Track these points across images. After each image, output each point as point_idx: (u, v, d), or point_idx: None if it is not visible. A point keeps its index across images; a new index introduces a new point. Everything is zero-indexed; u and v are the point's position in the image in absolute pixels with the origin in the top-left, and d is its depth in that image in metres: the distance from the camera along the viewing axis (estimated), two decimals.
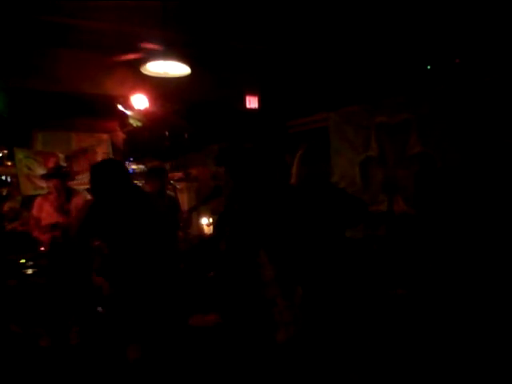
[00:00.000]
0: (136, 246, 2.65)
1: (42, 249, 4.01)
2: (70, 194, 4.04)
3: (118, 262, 2.72)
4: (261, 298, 2.25)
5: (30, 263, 4.52)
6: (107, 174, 2.68)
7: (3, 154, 5.99)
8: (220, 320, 2.73)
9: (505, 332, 2.97)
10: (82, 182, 5.80)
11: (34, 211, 4.04)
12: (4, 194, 5.74)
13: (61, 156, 4.27)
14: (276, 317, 2.23)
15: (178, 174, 6.53)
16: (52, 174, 4.04)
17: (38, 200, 4.09)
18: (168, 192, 4.53)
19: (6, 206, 5.48)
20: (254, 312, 2.26)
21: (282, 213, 2.47)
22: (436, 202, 3.92)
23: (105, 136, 6.36)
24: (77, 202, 3.99)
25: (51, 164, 4.16)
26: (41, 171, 5.41)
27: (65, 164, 4.21)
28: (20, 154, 5.60)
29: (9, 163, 5.94)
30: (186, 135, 6.60)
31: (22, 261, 4.56)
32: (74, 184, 5.46)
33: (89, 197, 4.06)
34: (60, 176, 4.00)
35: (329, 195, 2.62)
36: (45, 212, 3.97)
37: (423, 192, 4.10)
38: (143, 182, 4.51)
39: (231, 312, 2.40)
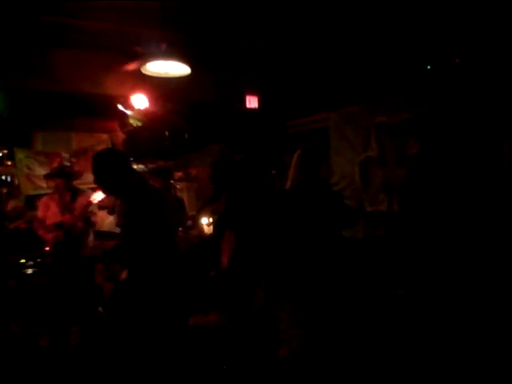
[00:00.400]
0: (137, 241, 2.63)
1: (47, 249, 3.99)
2: (75, 193, 4.02)
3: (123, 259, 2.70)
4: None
5: (30, 263, 4.52)
6: (109, 164, 2.67)
7: (3, 153, 5.99)
8: (221, 321, 2.74)
9: (505, 331, 2.97)
10: (82, 182, 5.79)
11: (40, 211, 4.02)
12: (5, 193, 5.74)
13: (65, 156, 4.25)
14: (281, 335, 2.24)
15: (178, 174, 6.53)
16: (55, 174, 4.03)
17: (44, 199, 4.07)
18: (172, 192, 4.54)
19: (10, 205, 5.47)
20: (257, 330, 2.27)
21: (279, 223, 2.48)
22: (436, 202, 3.91)
23: (105, 136, 6.35)
24: (82, 201, 3.98)
25: (55, 164, 4.14)
26: (41, 171, 5.40)
27: (69, 164, 4.18)
28: (20, 154, 5.59)
29: (9, 163, 5.94)
30: (186, 135, 6.60)
31: (22, 261, 4.56)
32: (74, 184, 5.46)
33: (93, 196, 4.05)
34: (62, 176, 3.99)
35: (324, 201, 2.61)
36: (50, 211, 3.95)
37: (423, 192, 4.10)
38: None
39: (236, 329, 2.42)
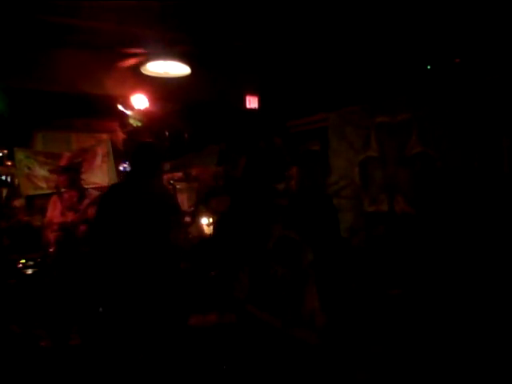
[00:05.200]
0: (134, 238, 2.58)
1: (51, 250, 3.93)
2: (82, 194, 3.98)
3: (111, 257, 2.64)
4: None
5: (30, 263, 4.51)
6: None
7: (3, 153, 5.99)
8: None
9: (504, 332, 2.98)
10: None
11: (48, 210, 3.99)
12: (4, 194, 5.73)
13: (73, 154, 4.18)
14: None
15: (178, 174, 6.52)
16: (64, 168, 3.95)
17: (53, 198, 4.03)
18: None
19: (16, 203, 5.46)
20: None
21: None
22: (436, 202, 3.92)
23: (105, 136, 6.35)
24: (87, 202, 3.94)
25: (64, 161, 4.05)
26: (41, 171, 5.39)
27: (80, 159, 4.09)
28: (20, 154, 5.59)
29: (9, 163, 5.94)
30: (185, 135, 6.60)
31: (22, 261, 4.55)
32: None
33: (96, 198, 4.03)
34: (70, 170, 3.92)
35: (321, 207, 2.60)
36: (57, 210, 3.91)
37: (424, 192, 4.10)
38: None
39: None
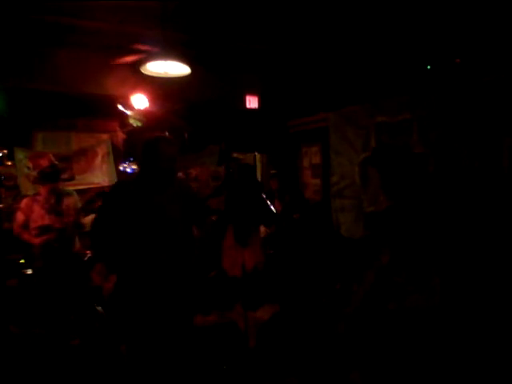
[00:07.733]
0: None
1: (34, 251, 3.85)
2: (59, 195, 3.85)
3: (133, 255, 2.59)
4: None
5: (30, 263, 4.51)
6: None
7: (3, 153, 5.98)
8: None
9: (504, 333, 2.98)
10: (81, 183, 5.79)
11: (22, 213, 3.79)
12: (3, 195, 5.73)
13: (51, 157, 4.05)
14: None
15: (178, 174, 6.52)
16: (48, 175, 3.80)
17: (26, 201, 3.84)
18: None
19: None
20: None
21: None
22: (437, 202, 3.92)
23: (105, 136, 6.35)
24: (68, 203, 3.86)
25: (45, 163, 3.90)
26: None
27: (57, 162, 3.98)
28: (20, 154, 5.59)
29: (9, 163, 5.93)
30: (186, 135, 6.60)
31: (22, 261, 4.55)
32: (73, 184, 5.45)
33: (77, 198, 4.02)
34: (55, 174, 3.84)
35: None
36: (35, 213, 3.76)
37: (424, 192, 4.10)
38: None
39: None
